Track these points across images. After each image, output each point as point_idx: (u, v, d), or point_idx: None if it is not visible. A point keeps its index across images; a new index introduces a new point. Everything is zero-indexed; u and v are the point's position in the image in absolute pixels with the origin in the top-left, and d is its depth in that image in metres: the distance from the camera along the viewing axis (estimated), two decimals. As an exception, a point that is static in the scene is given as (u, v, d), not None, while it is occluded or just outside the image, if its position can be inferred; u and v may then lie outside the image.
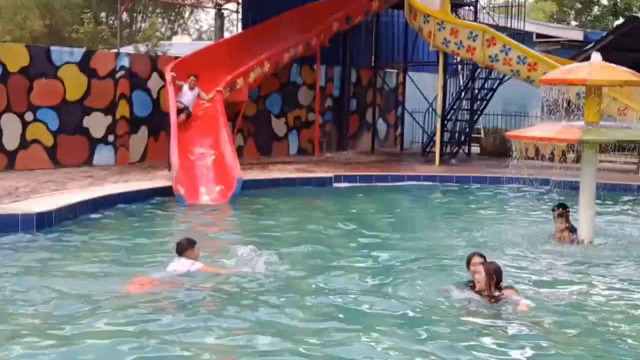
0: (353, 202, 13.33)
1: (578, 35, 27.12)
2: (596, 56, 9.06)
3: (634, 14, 23.44)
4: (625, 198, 13.95)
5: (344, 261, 8.39)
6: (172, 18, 35.66)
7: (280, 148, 19.68)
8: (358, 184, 15.23)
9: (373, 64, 22.08)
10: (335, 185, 15.07)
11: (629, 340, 5.93)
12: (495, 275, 6.59)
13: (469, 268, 7.01)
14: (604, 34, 24.83)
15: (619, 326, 6.27)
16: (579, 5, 41.13)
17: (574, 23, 40.23)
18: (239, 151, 15.05)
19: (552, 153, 19.11)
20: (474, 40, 17.18)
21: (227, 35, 20.05)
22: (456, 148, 20.08)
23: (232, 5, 19.28)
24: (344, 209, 12.44)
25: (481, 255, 7.06)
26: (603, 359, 5.56)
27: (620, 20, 31.43)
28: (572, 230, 9.64)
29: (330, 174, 15.61)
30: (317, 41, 18.79)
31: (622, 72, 8.95)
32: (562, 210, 9.71)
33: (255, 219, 11.28)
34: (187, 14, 36.36)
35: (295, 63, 19.23)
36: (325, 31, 18.98)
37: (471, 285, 6.88)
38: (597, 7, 41.22)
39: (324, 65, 20.31)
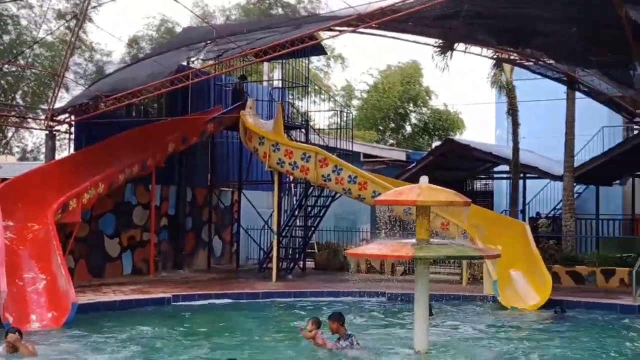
0: (191, 321, 13.17)
1: (401, 155, 29.14)
2: (424, 179, 9.85)
3: (449, 136, 25.65)
4: (454, 307, 14.81)
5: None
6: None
7: (113, 269, 19.14)
8: (197, 303, 15.11)
9: (209, 183, 22.35)
10: (174, 304, 14.86)
11: None
12: None
13: None
14: (424, 154, 26.91)
15: None
16: (392, 125, 44.27)
17: (390, 141, 43.15)
18: (69, 273, 14.42)
19: (381, 266, 20.11)
20: (307, 161, 17.98)
21: (58, 155, 19.61)
22: (292, 263, 20.49)
23: (63, 126, 18.95)
24: (181, 328, 12.27)
25: None
26: None
27: (437, 142, 34.13)
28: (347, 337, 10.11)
29: (168, 294, 15.37)
30: (153, 161, 18.86)
31: (447, 193, 9.78)
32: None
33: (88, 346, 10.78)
34: (10, 133, 35.07)
35: (129, 183, 19.10)
36: (161, 152, 19.12)
37: None
38: (409, 126, 44.54)
39: (160, 184, 20.31)
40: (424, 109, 43.72)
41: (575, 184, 21.59)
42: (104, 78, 22.08)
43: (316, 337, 10.06)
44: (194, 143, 20.52)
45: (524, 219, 23.19)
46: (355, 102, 45.93)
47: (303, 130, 22.02)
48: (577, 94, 20.04)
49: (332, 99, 28.48)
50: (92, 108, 18.19)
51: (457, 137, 38.33)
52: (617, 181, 27.40)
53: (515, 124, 21.77)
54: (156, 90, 18.10)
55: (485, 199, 28.75)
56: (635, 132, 23.77)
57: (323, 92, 30.73)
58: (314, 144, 20.52)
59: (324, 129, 23.37)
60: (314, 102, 32.92)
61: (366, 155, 27.39)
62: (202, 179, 22.26)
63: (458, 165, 25.39)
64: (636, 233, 25.39)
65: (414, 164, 25.02)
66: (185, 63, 20.28)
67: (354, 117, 23.59)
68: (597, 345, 11.28)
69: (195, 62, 21.85)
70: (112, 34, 51.29)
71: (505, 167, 25.11)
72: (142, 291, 15.95)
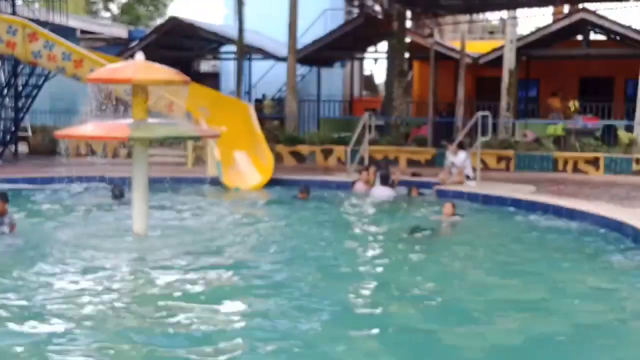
0: None
1: (123, 32, 27.57)
2: (139, 55, 9.22)
3: (173, 16, 24.54)
4: (179, 190, 14.58)
5: None
6: None
7: None
8: None
9: None
10: None
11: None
12: None
13: None
14: (148, 32, 25.74)
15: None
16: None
17: (104, 14, 40.67)
18: None
19: (104, 149, 19.20)
20: (14, 35, 16.18)
21: None
22: (2, 148, 18.85)
23: None
24: None
25: None
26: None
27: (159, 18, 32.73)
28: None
29: None
30: None
31: (165, 72, 9.25)
32: None
33: None
34: None
35: None
36: None
37: None
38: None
39: None
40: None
41: (298, 66, 22.03)
42: None
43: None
44: None
45: (250, 101, 23.38)
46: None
47: (10, 1, 19.79)
48: (302, -25, 20.14)
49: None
50: None
51: (182, 14, 37.18)
52: (338, 63, 28.63)
53: (240, 4, 21.43)
54: None
55: (212, 80, 28.50)
56: (355, 15, 24.69)
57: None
58: (23, 17, 18.53)
59: (34, 1, 21.20)
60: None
61: (84, 32, 25.52)
62: None
63: (183, 44, 24.72)
64: (353, 113, 26.96)
65: (136, 42, 23.84)
66: None
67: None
68: (319, 219, 11.76)
69: None
70: None
71: (233, 48, 24.90)
72: None
